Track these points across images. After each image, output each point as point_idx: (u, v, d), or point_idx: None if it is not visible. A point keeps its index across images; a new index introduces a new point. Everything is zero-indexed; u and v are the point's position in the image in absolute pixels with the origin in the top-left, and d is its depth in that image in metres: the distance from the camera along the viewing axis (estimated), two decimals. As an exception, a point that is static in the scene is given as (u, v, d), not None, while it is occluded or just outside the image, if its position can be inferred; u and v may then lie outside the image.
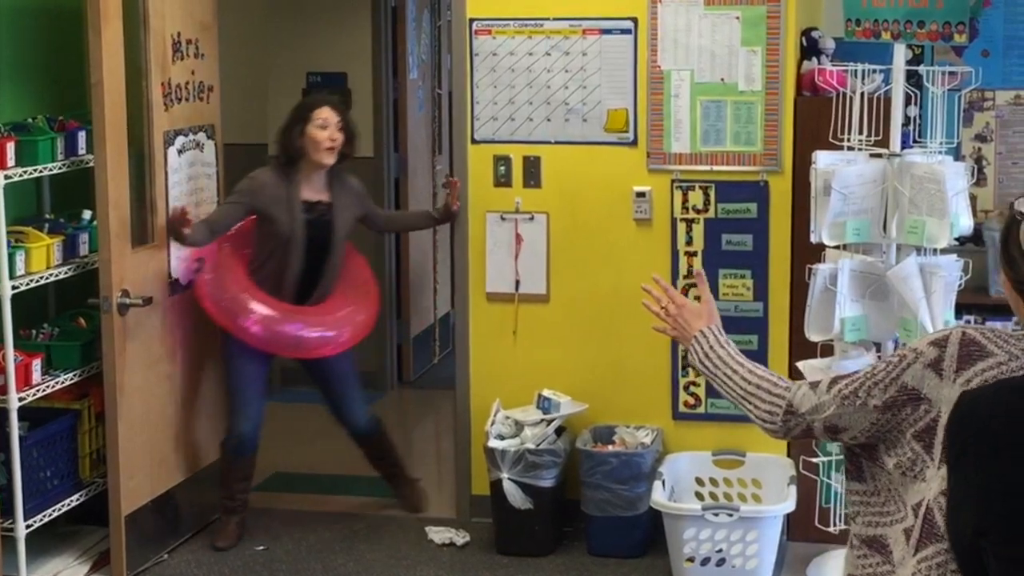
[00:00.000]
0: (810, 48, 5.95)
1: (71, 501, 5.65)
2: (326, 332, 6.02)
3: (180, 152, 5.90)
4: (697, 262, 5.90)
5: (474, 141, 6.09)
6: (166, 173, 5.80)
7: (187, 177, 5.96)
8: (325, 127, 5.85)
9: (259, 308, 5.88)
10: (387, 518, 6.34)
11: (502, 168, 6.05)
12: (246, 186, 5.90)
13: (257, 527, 6.17)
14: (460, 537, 6.03)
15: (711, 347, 2.90)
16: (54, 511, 5.55)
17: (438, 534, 6.06)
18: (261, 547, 6.00)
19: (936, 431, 2.40)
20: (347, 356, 6.16)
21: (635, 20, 5.87)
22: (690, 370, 5.96)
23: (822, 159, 5.23)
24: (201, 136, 6.07)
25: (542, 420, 5.93)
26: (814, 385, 2.62)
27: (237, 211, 5.92)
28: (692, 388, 6.01)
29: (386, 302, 8.01)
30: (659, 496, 5.60)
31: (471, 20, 6.03)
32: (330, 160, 5.88)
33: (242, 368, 5.97)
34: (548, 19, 5.95)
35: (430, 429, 8.12)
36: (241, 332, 5.87)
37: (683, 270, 5.92)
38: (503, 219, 6.08)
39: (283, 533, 6.15)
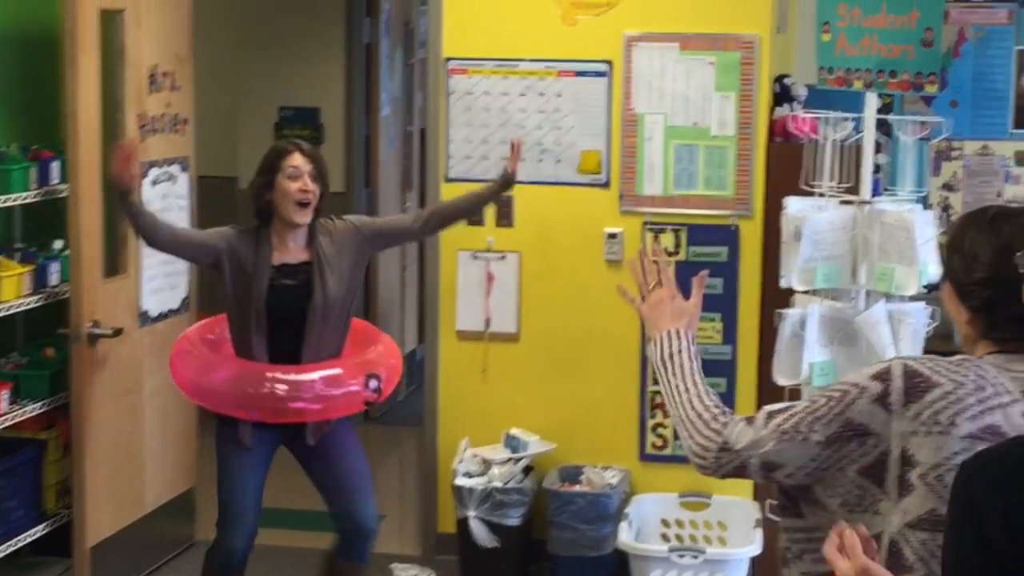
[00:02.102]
0: (783, 95, 6.01)
1: (35, 532, 5.62)
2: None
3: (154, 184, 5.90)
4: (667, 304, 5.92)
5: (448, 179, 6.11)
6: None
7: (160, 209, 5.96)
8: (296, 177, 4.89)
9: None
10: (352, 554, 6.32)
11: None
12: (226, 228, 5.02)
13: (221, 561, 6.14)
14: (426, 575, 6.03)
15: (678, 351, 2.74)
16: (18, 541, 5.52)
17: (404, 571, 6.05)
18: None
19: (887, 465, 2.39)
20: (352, 434, 5.20)
21: (610, 63, 5.92)
22: (659, 412, 5.98)
23: (793, 205, 5.26)
24: (175, 168, 6.08)
25: (510, 459, 5.94)
26: (750, 420, 2.54)
27: (203, 242, 4.97)
28: (659, 429, 6.04)
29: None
30: (625, 537, 5.61)
31: (447, 59, 6.07)
32: (303, 219, 4.91)
33: (238, 476, 5.03)
34: (523, 60, 5.99)
35: (395, 466, 8.11)
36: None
37: (653, 312, 5.94)
38: (475, 257, 6.10)
39: (248, 570, 6.11)
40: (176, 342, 5.18)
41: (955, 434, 2.34)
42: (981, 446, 2.30)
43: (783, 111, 5.92)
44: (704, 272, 2.98)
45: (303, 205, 4.88)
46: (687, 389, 2.67)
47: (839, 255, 5.25)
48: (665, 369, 2.73)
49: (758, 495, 5.79)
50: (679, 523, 5.96)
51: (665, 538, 5.90)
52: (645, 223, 5.95)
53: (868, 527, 2.38)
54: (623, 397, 6.05)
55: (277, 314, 4.89)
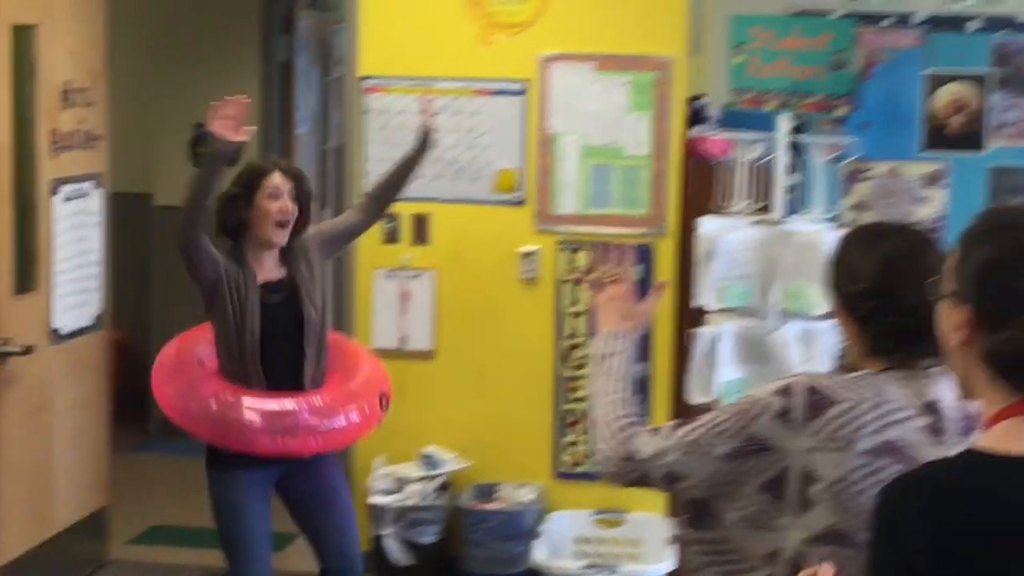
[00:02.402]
0: (697, 115, 6.06)
1: (-57, 552, 5.54)
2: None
3: (66, 201, 5.85)
4: (581, 323, 5.96)
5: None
6: (50, 221, 5.74)
7: (72, 226, 5.91)
8: (276, 197, 4.71)
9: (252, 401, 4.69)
10: (266, 573, 6.29)
11: (391, 225, 6.07)
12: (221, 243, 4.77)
13: (133, 581, 6.10)
14: (339, 593, 5.99)
15: (617, 352, 2.76)
16: (-75, 562, 5.45)
17: (317, 590, 6.02)
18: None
19: (787, 481, 2.43)
20: (339, 470, 5.03)
21: (526, 82, 5.95)
22: (573, 430, 6.00)
23: (706, 224, 5.32)
24: (88, 185, 6.03)
25: (425, 477, 5.93)
26: (655, 431, 2.57)
27: (213, 253, 4.66)
28: (574, 447, 6.06)
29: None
30: (540, 554, 5.63)
31: (363, 77, 6.07)
32: (280, 239, 4.73)
33: (244, 511, 4.73)
34: (440, 79, 6.00)
35: (310, 484, 8.06)
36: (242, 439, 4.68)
37: (567, 331, 5.97)
38: (391, 276, 6.10)
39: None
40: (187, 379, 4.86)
41: (855, 450, 2.39)
42: (880, 462, 2.37)
43: (697, 131, 5.98)
44: (663, 281, 3.02)
45: (281, 225, 4.73)
46: (607, 393, 2.69)
47: (752, 274, 5.31)
48: (601, 367, 2.76)
49: (672, 512, 5.83)
50: (594, 540, 5.98)
51: (579, 555, 5.92)
52: (560, 242, 5.97)
53: (763, 544, 2.42)
54: (538, 415, 6.07)
55: (272, 334, 4.71)
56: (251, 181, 4.75)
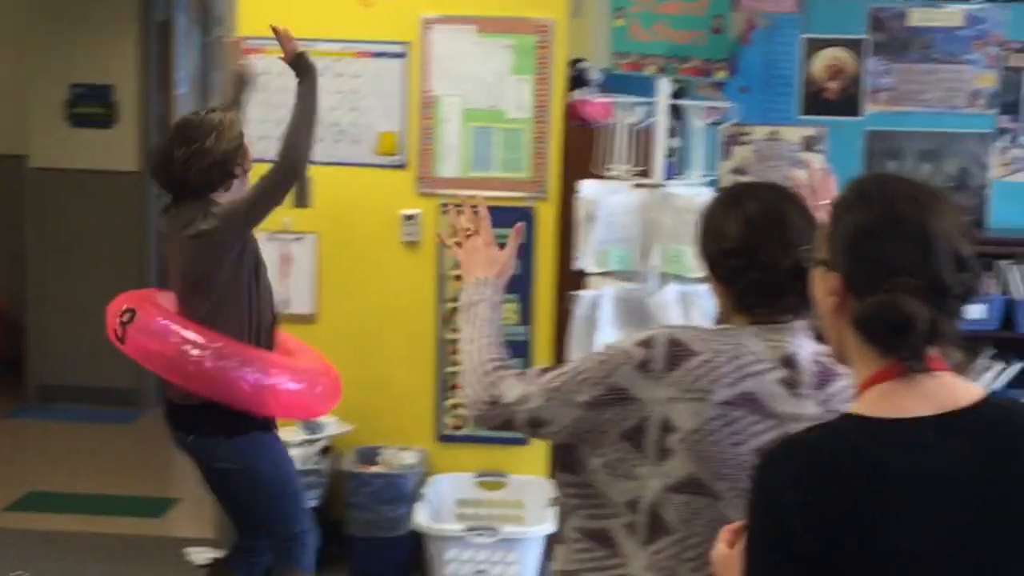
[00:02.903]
0: (578, 79, 6.08)
1: None
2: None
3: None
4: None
5: (244, 159, 6.04)
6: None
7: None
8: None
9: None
10: (147, 539, 6.25)
11: (271, 188, 6.02)
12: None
13: (11, 550, 6.02)
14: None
15: (481, 300, 2.80)
16: None
17: (199, 555, 5.99)
18: (16, 572, 5.86)
19: (646, 430, 2.48)
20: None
21: (407, 44, 5.92)
22: (455, 393, 6.01)
23: (587, 188, 5.34)
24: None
25: (306, 440, 5.91)
26: (521, 376, 2.63)
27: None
28: (456, 410, 6.07)
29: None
30: (422, 518, 5.64)
31: (242, 39, 5.99)
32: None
33: (292, 467, 4.89)
34: (320, 40, 5.94)
35: (191, 449, 8.01)
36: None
37: (449, 294, 5.97)
38: (271, 239, 6.05)
39: (38, 555, 6.00)
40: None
41: (712, 400, 2.45)
42: (736, 412, 2.43)
43: (578, 95, 6.00)
44: (521, 224, 3.04)
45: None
46: (475, 339, 2.74)
47: (632, 237, 5.34)
48: (468, 316, 2.80)
49: (554, 474, 5.86)
50: (476, 503, 6.01)
51: (461, 518, 5.94)
52: (442, 204, 5.97)
53: (624, 492, 2.48)
54: (420, 378, 6.07)
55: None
56: (242, 133, 4.68)
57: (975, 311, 6.35)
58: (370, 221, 6.03)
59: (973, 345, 6.47)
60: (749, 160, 6.56)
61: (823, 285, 2.08)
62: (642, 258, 5.35)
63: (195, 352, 4.39)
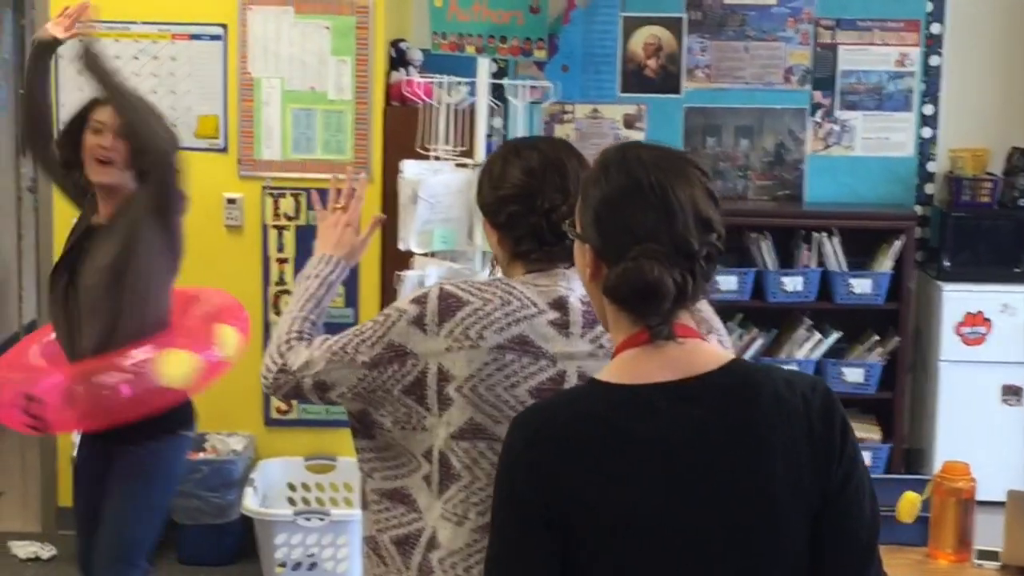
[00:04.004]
0: (398, 59, 6.07)
1: None
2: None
3: None
4: (289, 269, 5.93)
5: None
6: None
7: None
8: (99, 131, 4.27)
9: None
10: (-33, 534, 6.12)
11: (89, 173, 5.92)
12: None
13: None
14: (45, 551, 5.88)
15: (316, 276, 2.81)
16: None
17: (22, 548, 5.89)
18: None
19: (426, 384, 2.55)
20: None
21: (225, 27, 5.86)
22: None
23: (409, 168, 5.33)
24: None
25: (131, 429, 5.83)
26: (309, 343, 2.66)
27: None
28: (284, 394, 6.04)
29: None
30: (251, 503, 5.60)
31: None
32: (101, 177, 4.27)
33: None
34: (136, 23, 5.86)
35: (16, 440, 7.84)
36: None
37: (274, 277, 5.94)
38: (90, 225, 5.95)
39: None
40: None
41: (484, 346, 2.52)
42: (508, 356, 2.51)
43: (399, 75, 5.99)
44: (382, 215, 3.08)
45: (102, 163, 4.26)
46: (291, 311, 2.77)
47: (456, 217, 5.35)
48: (296, 287, 2.83)
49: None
50: (305, 487, 5.99)
51: (291, 502, 5.92)
52: (264, 188, 5.93)
53: (420, 444, 2.57)
54: (246, 363, 5.95)
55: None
56: (83, 113, 4.34)
57: (792, 284, 6.51)
58: (192, 205, 5.93)
59: (791, 316, 6.63)
60: (571, 138, 6.62)
61: (580, 256, 2.13)
62: (466, 237, 5.37)
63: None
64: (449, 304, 2.55)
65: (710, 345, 2.08)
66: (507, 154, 2.71)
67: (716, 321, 2.69)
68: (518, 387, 2.51)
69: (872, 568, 2.07)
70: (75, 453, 4.67)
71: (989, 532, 3.73)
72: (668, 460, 1.97)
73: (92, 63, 4.24)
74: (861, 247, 6.60)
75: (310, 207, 5.91)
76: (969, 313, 6.47)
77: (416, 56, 6.10)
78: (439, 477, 2.56)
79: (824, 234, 6.54)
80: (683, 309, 2.04)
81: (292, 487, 5.98)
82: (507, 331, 2.52)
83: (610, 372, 2.07)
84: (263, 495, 5.77)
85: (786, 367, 6.86)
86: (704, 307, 2.56)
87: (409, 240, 5.32)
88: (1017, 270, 6.52)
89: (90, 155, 4.25)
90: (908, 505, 3.67)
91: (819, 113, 6.82)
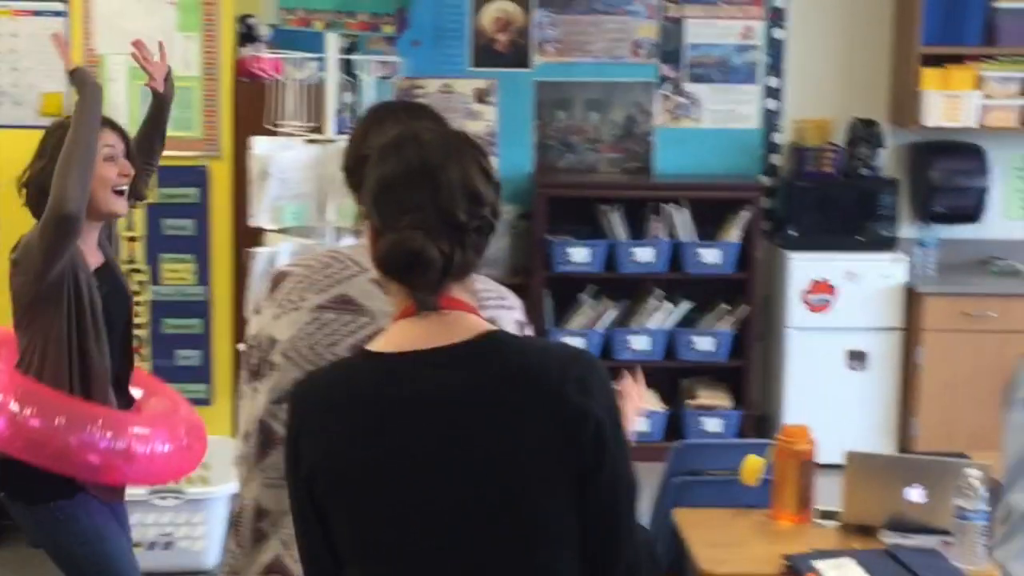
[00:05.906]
0: (247, 35, 6.03)
1: None
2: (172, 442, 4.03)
3: None
4: (139, 247, 5.88)
5: (-101, 124, 5.81)
6: None
7: None
8: (112, 158, 3.86)
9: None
10: None
11: (-70, 153, 5.81)
12: None
13: None
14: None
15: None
16: None
17: None
18: None
19: (261, 354, 2.64)
20: None
21: (67, 2, 5.78)
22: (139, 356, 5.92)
23: (259, 145, 5.32)
24: None
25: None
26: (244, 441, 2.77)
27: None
28: (137, 374, 5.99)
29: None
30: (104, 484, 5.54)
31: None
32: (124, 208, 3.92)
33: (118, 541, 3.98)
34: (-25, -1, 5.76)
35: None
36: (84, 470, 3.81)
37: (125, 256, 5.87)
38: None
39: None
40: None
41: (305, 307, 2.61)
42: (328, 314, 2.59)
43: (248, 51, 5.96)
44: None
45: (120, 193, 3.87)
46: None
47: (307, 193, 5.35)
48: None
49: (237, 433, 5.84)
50: (160, 466, 5.94)
51: (146, 482, 5.87)
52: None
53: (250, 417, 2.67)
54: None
55: (112, 332, 3.88)
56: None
57: (643, 255, 6.60)
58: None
59: (642, 287, 6.73)
60: (423, 113, 6.62)
61: (368, 235, 2.22)
62: (318, 213, 5.36)
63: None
64: (276, 280, 2.67)
65: (475, 318, 2.17)
66: (369, 117, 2.80)
67: (512, 298, 2.73)
68: (338, 344, 2.56)
69: (629, 532, 2.17)
70: None
71: (834, 493, 3.84)
72: (411, 419, 2.10)
73: (82, 85, 4.02)
74: (710, 218, 6.71)
75: (160, 185, 5.86)
76: (815, 281, 6.61)
77: (264, 32, 6.06)
78: (257, 448, 2.63)
79: (673, 205, 6.64)
80: (454, 282, 2.14)
81: (146, 467, 5.92)
82: (328, 292, 2.60)
83: (380, 342, 2.18)
84: (117, 476, 5.71)
85: (637, 336, 6.90)
86: (490, 285, 2.65)
87: (260, 217, 5.31)
88: (860, 238, 6.67)
89: (109, 184, 3.83)
90: (751, 468, 3.76)
91: (667, 86, 6.92)
